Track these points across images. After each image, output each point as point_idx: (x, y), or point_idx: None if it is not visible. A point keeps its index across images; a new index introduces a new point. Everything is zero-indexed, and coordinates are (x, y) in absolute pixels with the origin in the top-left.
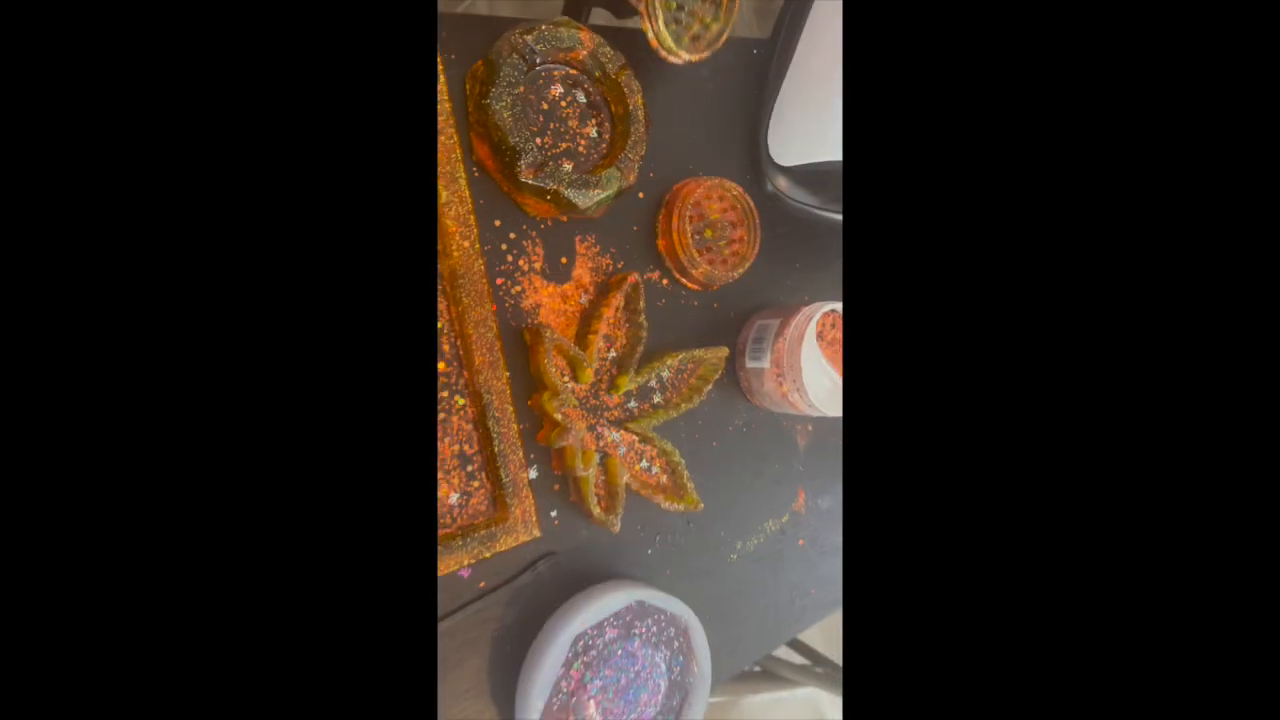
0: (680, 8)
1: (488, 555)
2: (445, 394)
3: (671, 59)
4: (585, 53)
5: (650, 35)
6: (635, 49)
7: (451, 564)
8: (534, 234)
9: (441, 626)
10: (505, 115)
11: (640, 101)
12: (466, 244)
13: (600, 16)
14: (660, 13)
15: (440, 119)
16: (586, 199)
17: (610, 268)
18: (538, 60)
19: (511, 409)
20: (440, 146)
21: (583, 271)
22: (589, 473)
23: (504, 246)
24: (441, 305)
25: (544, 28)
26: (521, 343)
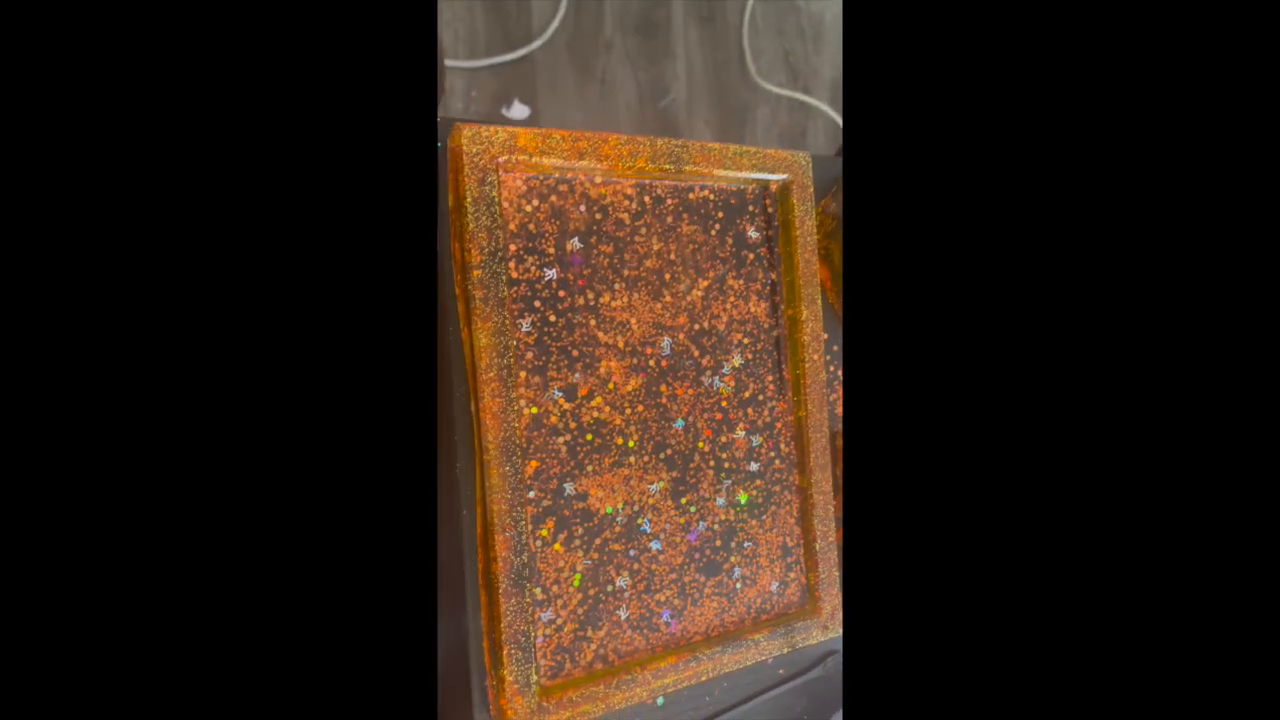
0: None
1: (802, 645)
2: (777, 488)
3: None
4: None
5: None
6: None
7: (775, 649)
8: None
9: (742, 709)
10: None
11: None
12: (816, 357)
13: None
14: None
15: (808, 249)
16: None
17: None
18: None
19: (834, 509)
20: (804, 271)
21: None
22: None
23: (828, 357)
24: (782, 407)
25: None
26: (833, 442)
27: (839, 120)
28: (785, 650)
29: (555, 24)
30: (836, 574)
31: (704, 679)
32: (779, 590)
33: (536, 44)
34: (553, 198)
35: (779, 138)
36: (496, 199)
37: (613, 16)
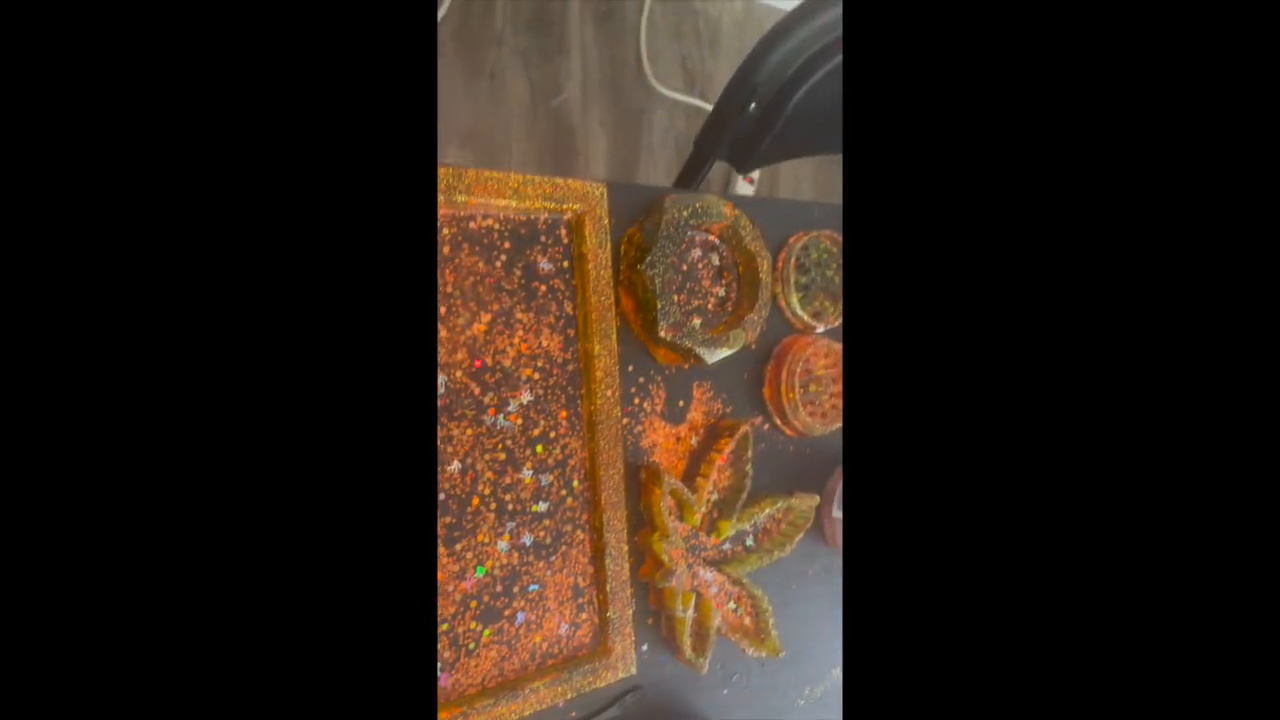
0: (807, 287)
1: (588, 690)
2: (569, 528)
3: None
4: (726, 224)
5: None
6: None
7: (556, 696)
8: (659, 379)
9: None
10: (657, 282)
11: (767, 268)
12: (610, 393)
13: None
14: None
15: (603, 282)
16: (714, 356)
17: (720, 411)
18: (688, 232)
19: (627, 548)
20: (598, 305)
21: (696, 414)
22: (686, 615)
23: (633, 389)
24: (576, 444)
25: (698, 204)
26: (635, 476)
27: None
28: (570, 696)
29: (442, 12)
30: (629, 613)
31: None
32: (569, 633)
33: None
34: None
35: (675, 141)
36: None
37: (504, 9)
